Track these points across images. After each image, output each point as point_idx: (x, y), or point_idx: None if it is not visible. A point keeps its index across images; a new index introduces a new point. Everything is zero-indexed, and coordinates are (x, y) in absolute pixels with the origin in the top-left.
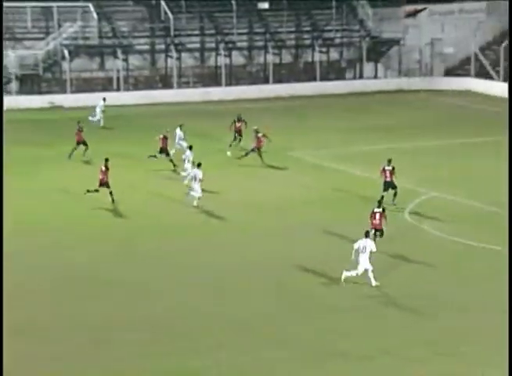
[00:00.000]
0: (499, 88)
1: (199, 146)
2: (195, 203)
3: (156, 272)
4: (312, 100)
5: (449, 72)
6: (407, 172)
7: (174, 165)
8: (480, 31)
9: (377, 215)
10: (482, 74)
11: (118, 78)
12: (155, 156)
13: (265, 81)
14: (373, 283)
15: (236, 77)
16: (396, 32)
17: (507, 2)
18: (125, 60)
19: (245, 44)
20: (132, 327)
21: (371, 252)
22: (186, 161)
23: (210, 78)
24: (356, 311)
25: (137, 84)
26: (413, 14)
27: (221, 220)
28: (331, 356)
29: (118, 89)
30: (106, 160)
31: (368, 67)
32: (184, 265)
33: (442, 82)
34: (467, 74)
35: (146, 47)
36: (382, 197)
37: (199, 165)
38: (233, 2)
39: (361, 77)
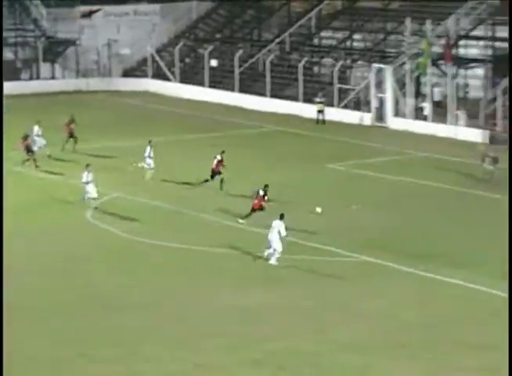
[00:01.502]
0: (174, 89)
1: None
2: (93, 204)
3: None
4: None
5: (127, 73)
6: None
7: (30, 164)
8: (155, 33)
9: (258, 197)
10: (159, 75)
11: None
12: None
13: None
14: (272, 261)
15: None
16: (72, 32)
17: (180, 5)
18: None
19: None
20: None
21: (279, 233)
22: (148, 157)
23: None
24: (58, 313)
25: None
26: (88, 15)
27: None
28: (25, 360)
29: None
30: None
31: (45, 68)
32: None
33: (120, 83)
34: (145, 75)
35: None
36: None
37: (87, 166)
38: None
39: (38, 77)
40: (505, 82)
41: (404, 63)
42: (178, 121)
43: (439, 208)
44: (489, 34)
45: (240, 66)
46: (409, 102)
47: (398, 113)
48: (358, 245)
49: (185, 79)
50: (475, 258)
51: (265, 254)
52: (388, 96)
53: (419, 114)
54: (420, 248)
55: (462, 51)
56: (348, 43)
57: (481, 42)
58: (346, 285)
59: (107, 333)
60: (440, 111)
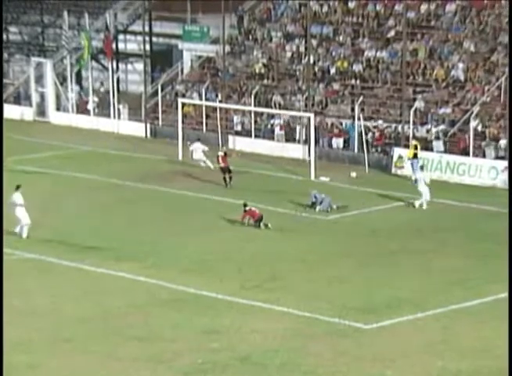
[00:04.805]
0: None
1: None
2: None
3: None
4: None
5: None
6: None
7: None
8: None
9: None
10: None
11: None
12: None
13: None
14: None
15: None
16: None
17: None
18: None
19: None
20: None
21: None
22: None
23: None
24: None
25: None
26: None
27: None
28: None
29: None
30: None
31: None
32: None
33: None
34: None
35: None
36: None
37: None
38: None
39: None
40: (164, 77)
41: (64, 58)
42: None
43: (103, 202)
44: (146, 29)
45: None
46: (71, 96)
47: (60, 107)
48: (21, 242)
49: None
50: (138, 251)
51: (417, 204)
52: (49, 91)
53: (81, 109)
54: (84, 242)
55: (121, 46)
56: (4, 36)
57: (139, 37)
58: (9, 283)
59: None
60: (103, 105)
